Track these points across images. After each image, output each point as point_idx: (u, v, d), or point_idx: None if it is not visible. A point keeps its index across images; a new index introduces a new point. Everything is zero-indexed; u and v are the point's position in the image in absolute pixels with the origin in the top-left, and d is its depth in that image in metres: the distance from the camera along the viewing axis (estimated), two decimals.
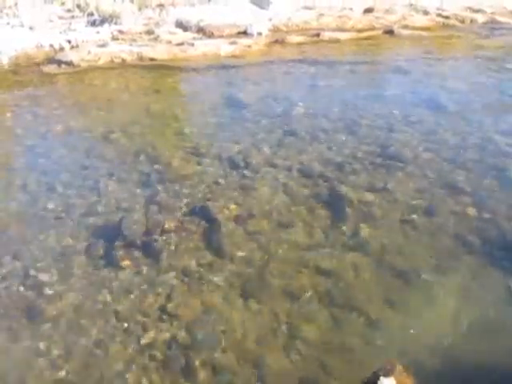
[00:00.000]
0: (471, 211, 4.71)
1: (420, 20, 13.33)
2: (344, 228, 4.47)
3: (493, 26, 13.26)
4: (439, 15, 13.71)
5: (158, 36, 10.99)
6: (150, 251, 4.20)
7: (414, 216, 4.64)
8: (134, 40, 10.75)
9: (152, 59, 9.81)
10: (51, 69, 9.09)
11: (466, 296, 3.74)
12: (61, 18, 11.06)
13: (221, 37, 11.36)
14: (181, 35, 11.21)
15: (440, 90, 8.26)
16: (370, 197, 4.93)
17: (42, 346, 3.34)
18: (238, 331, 3.46)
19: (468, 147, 6.05)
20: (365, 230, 4.42)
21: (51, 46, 9.93)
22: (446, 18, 13.63)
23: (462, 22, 13.54)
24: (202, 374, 3.16)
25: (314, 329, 3.47)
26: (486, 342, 3.32)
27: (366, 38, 11.80)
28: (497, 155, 5.81)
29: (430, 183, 5.20)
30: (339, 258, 4.11)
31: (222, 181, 5.26)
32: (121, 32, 11.00)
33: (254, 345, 3.36)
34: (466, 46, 11.50)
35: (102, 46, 10.11)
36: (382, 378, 2.82)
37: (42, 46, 9.85)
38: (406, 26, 12.79)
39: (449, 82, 8.66)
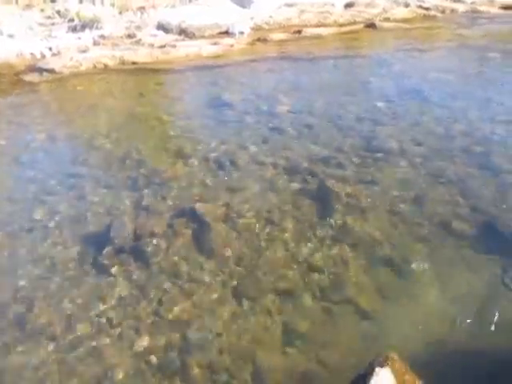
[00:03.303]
0: (459, 199, 4.74)
1: (401, 12, 13.42)
2: (332, 222, 4.48)
3: (473, 16, 13.39)
4: (420, 7, 13.82)
5: (140, 39, 10.94)
6: (139, 256, 4.18)
7: (402, 206, 4.67)
8: (116, 44, 10.69)
9: (134, 63, 9.77)
10: (33, 77, 9.00)
11: (457, 284, 3.76)
12: (41, 25, 10.97)
13: (203, 37, 11.34)
14: (162, 37, 11.18)
15: (423, 80, 8.32)
16: (357, 189, 4.94)
17: (34, 359, 3.31)
18: (233, 331, 3.46)
19: (453, 136, 6.09)
20: (353, 223, 4.44)
21: (32, 53, 9.83)
22: (427, 9, 13.74)
23: (443, 12, 13.66)
24: (199, 376, 3.16)
25: (308, 324, 3.48)
26: (478, 328, 3.35)
27: (348, 33, 11.85)
28: (482, 143, 5.85)
29: (416, 173, 5.23)
30: (329, 252, 4.12)
31: (209, 181, 5.25)
32: (102, 37, 10.93)
33: (249, 343, 3.36)
34: (448, 37, 11.58)
35: (84, 51, 10.05)
36: (377, 368, 2.83)
37: (22, 54, 9.75)
38: (387, 19, 12.87)
39: (432, 73, 8.71)
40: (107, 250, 4.24)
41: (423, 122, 6.54)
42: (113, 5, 11.94)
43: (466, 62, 9.51)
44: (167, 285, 3.88)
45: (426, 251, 4.10)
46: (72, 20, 11.03)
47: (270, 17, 12.66)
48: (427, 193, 4.86)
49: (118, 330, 3.51)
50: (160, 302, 3.72)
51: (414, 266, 3.93)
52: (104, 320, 3.59)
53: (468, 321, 3.41)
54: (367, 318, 3.50)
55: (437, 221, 4.45)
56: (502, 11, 13.84)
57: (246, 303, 3.68)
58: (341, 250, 4.14)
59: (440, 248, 4.14)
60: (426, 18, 13.28)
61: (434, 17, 13.34)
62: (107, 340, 3.43)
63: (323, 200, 4.79)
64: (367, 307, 3.57)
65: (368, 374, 2.78)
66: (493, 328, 3.34)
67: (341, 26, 12.38)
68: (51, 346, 3.40)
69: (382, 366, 2.83)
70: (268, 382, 3.09)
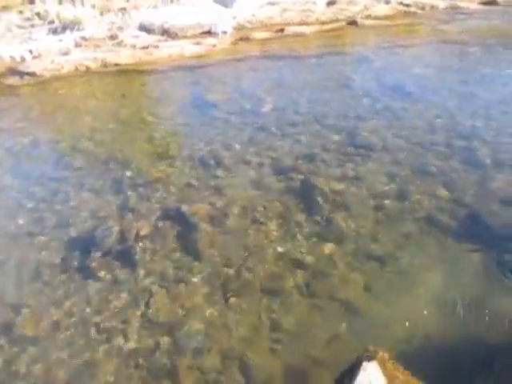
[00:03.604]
0: (442, 193, 4.80)
1: (382, 9, 13.51)
2: (318, 219, 4.50)
3: (453, 12, 13.54)
4: (400, 3, 13.93)
5: (122, 40, 10.85)
6: (126, 259, 4.16)
7: (387, 201, 4.71)
8: (98, 46, 10.59)
9: (117, 64, 9.69)
10: (14, 80, 8.89)
11: (442, 277, 3.80)
12: (20, 27, 10.81)
13: (185, 38, 11.30)
14: (145, 38, 11.10)
15: (405, 76, 8.40)
16: (342, 186, 4.98)
17: (21, 366, 3.27)
18: (221, 331, 3.46)
19: (435, 130, 6.16)
20: (339, 219, 4.47)
21: (12, 57, 9.69)
22: (407, 5, 13.86)
23: (423, 8, 13.80)
24: (188, 377, 3.16)
25: (297, 321, 3.50)
26: (464, 321, 3.39)
27: (331, 31, 11.91)
28: (463, 137, 5.93)
29: (400, 168, 5.28)
30: (316, 249, 4.14)
31: (194, 182, 5.24)
32: (84, 38, 10.82)
33: (239, 343, 3.37)
34: (429, 33, 11.70)
35: (65, 54, 9.93)
36: (364, 363, 2.87)
37: (1, 57, 9.59)
38: (368, 16, 12.96)
39: (413, 69, 8.80)
40: (93, 253, 4.22)
41: (406, 118, 6.61)
42: (93, 6, 11.81)
43: (447, 57, 9.62)
44: (154, 287, 3.86)
45: (411, 245, 4.15)
46: (52, 22, 10.89)
47: (253, 16, 12.65)
48: (411, 187, 4.91)
49: (105, 334, 3.49)
50: (147, 305, 3.71)
51: (399, 260, 3.98)
52: (91, 324, 3.57)
53: (454, 313, 3.45)
54: (354, 313, 3.53)
55: (421, 215, 4.51)
56: (481, 7, 14.02)
57: (233, 303, 3.68)
58: (327, 247, 4.17)
59: (425, 242, 4.18)
60: (406, 14, 13.41)
61: (415, 13, 13.47)
62: (94, 344, 3.41)
63: (308, 197, 4.82)
64: (354, 303, 3.60)
65: (356, 368, 2.82)
66: (479, 320, 3.39)
67: (323, 23, 12.43)
68: (36, 351, 3.37)
69: (369, 361, 2.86)
70: (257, 381, 3.10)
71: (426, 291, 3.67)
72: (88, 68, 9.50)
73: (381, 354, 2.99)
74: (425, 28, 12.16)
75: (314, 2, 13.60)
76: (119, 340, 3.44)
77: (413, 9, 13.70)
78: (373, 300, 3.64)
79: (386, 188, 4.93)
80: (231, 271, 3.97)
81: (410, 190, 4.86)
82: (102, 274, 4.01)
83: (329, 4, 13.70)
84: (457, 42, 10.56)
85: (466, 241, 4.15)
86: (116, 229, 4.49)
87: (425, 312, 3.48)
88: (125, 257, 4.18)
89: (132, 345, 3.40)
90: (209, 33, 11.70)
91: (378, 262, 3.99)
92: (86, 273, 4.04)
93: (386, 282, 3.79)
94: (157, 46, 10.58)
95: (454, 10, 13.73)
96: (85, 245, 4.35)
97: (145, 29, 11.55)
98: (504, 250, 3.99)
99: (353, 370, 2.85)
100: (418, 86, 7.80)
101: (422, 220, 4.44)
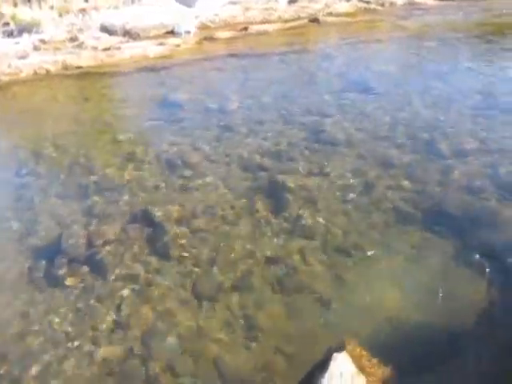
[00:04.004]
0: (405, 184, 4.93)
1: (343, 7, 13.75)
2: (287, 215, 4.55)
3: (411, 8, 13.92)
4: (360, 0, 14.20)
5: (83, 42, 10.62)
6: (94, 264, 4.08)
7: (353, 195, 4.80)
8: (58, 48, 10.33)
9: (78, 67, 9.49)
10: None
11: (408, 265, 3.91)
12: None
13: (148, 38, 11.17)
14: (106, 40, 10.90)
15: (367, 72, 8.57)
16: (309, 182, 5.04)
17: None
18: (194, 332, 3.45)
19: (397, 124, 6.32)
20: (307, 215, 4.52)
21: None
22: (367, 2, 14.15)
23: (382, 5, 14.12)
24: (162, 381, 3.13)
25: (269, 317, 3.53)
26: (431, 308, 3.49)
27: (293, 28, 12.03)
28: (424, 129, 6.11)
29: (364, 162, 5.39)
30: (285, 245, 4.19)
31: (162, 184, 5.19)
32: (42, 41, 10.52)
33: (212, 343, 3.37)
34: (388, 29, 11.98)
35: (23, 57, 9.63)
36: (335, 354, 2.93)
37: None
38: (330, 14, 13.16)
39: (375, 64, 8.99)
40: (59, 261, 4.13)
41: (369, 112, 6.75)
42: (52, 7, 11.50)
43: (406, 52, 9.89)
44: (125, 291, 3.81)
45: (377, 237, 4.25)
46: (7, 24, 10.53)
47: (216, 15, 12.63)
48: (375, 180, 5.03)
49: (76, 342, 3.42)
50: (118, 309, 3.66)
51: (367, 252, 4.06)
52: (60, 333, 3.49)
53: (421, 302, 3.56)
54: (325, 306, 3.59)
55: (386, 206, 4.62)
56: (437, 2, 14.46)
57: (205, 302, 3.68)
58: (296, 242, 4.22)
59: (392, 232, 4.29)
60: (366, 11, 13.69)
61: (375, 10, 13.77)
62: (65, 353, 3.34)
63: (276, 194, 4.86)
64: (325, 296, 3.66)
65: (327, 359, 2.87)
66: (444, 306, 3.50)
67: (286, 21, 12.54)
68: (5, 367, 3.26)
69: (339, 352, 2.92)
70: (231, 379, 3.11)
71: (393, 280, 3.76)
72: (48, 71, 9.26)
73: (351, 344, 3.06)
74: (385, 24, 12.45)
75: (276, 1, 13.71)
76: (90, 347, 3.38)
77: (373, 6, 13.99)
78: (343, 291, 3.70)
79: (352, 181, 5.02)
80: (202, 271, 3.96)
81: (374, 183, 4.97)
82: (69, 281, 3.93)
83: (290, 2, 13.83)
84: (415, 37, 10.87)
85: (430, 229, 4.28)
86: (83, 234, 4.41)
87: (392, 300, 3.57)
88: (93, 262, 4.10)
89: (103, 351, 3.34)
90: (172, 33, 11.61)
91: (346, 254, 4.06)
92: (53, 281, 3.95)
93: (355, 273, 3.87)
94: (119, 48, 10.41)
95: (412, 5, 14.11)
96: (51, 252, 4.24)
97: (106, 30, 11.34)
98: (465, 237, 4.14)
99: (324, 361, 2.90)
100: (380, 81, 7.98)
101: (388, 211, 4.55)
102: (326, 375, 2.75)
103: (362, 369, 2.89)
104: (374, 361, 2.98)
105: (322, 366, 2.87)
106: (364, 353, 3.04)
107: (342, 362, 2.84)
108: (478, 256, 3.91)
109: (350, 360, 2.89)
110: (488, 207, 4.48)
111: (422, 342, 3.22)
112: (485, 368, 3.03)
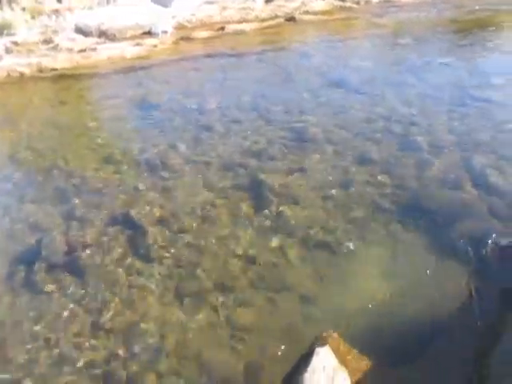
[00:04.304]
0: (383, 179, 5.00)
1: (319, 5, 13.84)
2: (268, 213, 4.57)
3: (386, 5, 14.10)
4: None
5: (58, 44, 10.46)
6: (74, 269, 4.03)
7: (333, 191, 4.85)
8: (32, 51, 10.15)
9: (53, 69, 9.34)
10: None
11: (389, 260, 3.97)
12: None
13: (125, 39, 11.06)
14: (82, 41, 10.76)
15: (344, 69, 8.66)
16: (289, 179, 5.08)
17: None
18: (178, 333, 3.44)
19: (374, 120, 6.40)
20: (288, 212, 4.55)
21: None
22: (343, 0, 14.27)
23: (358, 3, 14.26)
24: (147, 383, 3.12)
25: (252, 315, 3.54)
26: (412, 301, 3.54)
27: (270, 27, 12.08)
28: (401, 124, 6.20)
29: (343, 158, 5.45)
30: (267, 243, 4.20)
31: (141, 186, 5.15)
32: (15, 43, 10.32)
33: (196, 343, 3.36)
34: (364, 26, 12.12)
35: None
36: (317, 348, 2.97)
37: None
38: (306, 12, 13.24)
39: (351, 61, 9.09)
40: (39, 267, 4.07)
41: (346, 109, 6.82)
42: (24, 9, 11.28)
43: (382, 49, 10.02)
44: (106, 295, 3.78)
45: (357, 232, 4.29)
46: None
47: (192, 15, 12.58)
48: (354, 176, 5.09)
49: (58, 349, 3.38)
50: (100, 314, 3.62)
51: (347, 247, 4.11)
52: (41, 340, 3.44)
53: (401, 294, 3.61)
54: (308, 302, 3.62)
55: (365, 202, 4.67)
56: (411, 0, 14.66)
57: (188, 303, 3.67)
58: (278, 240, 4.24)
59: (371, 227, 4.34)
60: (342, 9, 13.82)
61: (350, 8, 13.91)
62: (46, 360, 3.29)
63: (257, 193, 4.87)
64: (307, 292, 3.69)
65: (310, 354, 2.91)
66: (424, 299, 3.56)
67: (262, 21, 12.57)
68: None
69: (322, 346, 2.96)
70: (216, 378, 3.12)
71: (373, 274, 3.82)
72: (22, 74, 9.09)
73: (333, 338, 3.10)
74: (360, 22, 12.59)
75: (253, 0, 13.71)
76: (72, 353, 3.34)
77: (348, 3, 14.13)
78: (324, 287, 3.74)
79: (331, 178, 5.07)
80: (184, 272, 3.96)
81: (353, 179, 5.03)
82: (49, 287, 3.87)
83: (267, 1, 13.86)
84: (391, 34, 11.01)
85: (408, 222, 4.34)
86: (62, 239, 4.35)
87: (373, 294, 3.62)
88: (73, 267, 4.06)
89: (86, 356, 3.31)
90: (149, 33, 11.53)
91: (327, 250, 4.10)
92: (33, 288, 3.89)
93: (336, 267, 3.91)
94: (95, 49, 10.29)
95: (387, 3, 14.30)
96: (29, 258, 4.18)
97: (81, 31, 11.19)
98: (443, 229, 4.22)
99: (307, 356, 2.93)
100: (357, 78, 8.07)
101: (367, 206, 4.61)
102: (309, 369, 2.79)
103: (344, 362, 2.94)
104: (356, 353, 3.02)
105: (306, 360, 2.90)
106: (346, 346, 3.09)
107: (325, 356, 2.87)
108: (455, 247, 3.99)
109: (333, 354, 2.93)
110: (463, 199, 4.58)
111: (402, 334, 3.28)
112: (463, 358, 3.09)
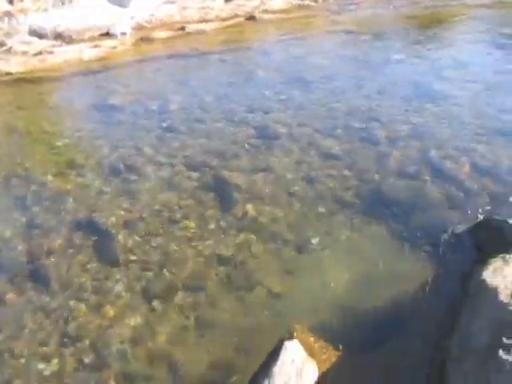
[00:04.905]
0: (346, 173, 5.12)
1: (278, 3, 13.96)
2: (234, 212, 4.60)
3: (343, 3, 14.36)
4: None
5: (11, 47, 10.12)
6: (37, 277, 3.94)
7: (297, 188, 4.93)
8: None
9: (8, 73, 9.03)
10: None
11: (352, 253, 4.06)
12: None
13: (82, 41, 10.82)
14: (37, 44, 10.44)
15: (305, 66, 8.79)
16: (254, 177, 5.12)
17: None
18: (148, 336, 3.42)
19: (336, 116, 6.54)
20: (254, 210, 4.59)
21: None
22: None
23: (316, 1, 14.47)
24: None
25: (223, 314, 3.56)
26: (374, 292, 3.64)
27: (231, 26, 12.10)
28: (361, 119, 6.37)
29: (306, 154, 5.54)
30: (234, 241, 4.23)
31: (105, 189, 5.07)
32: None
33: (166, 345, 3.35)
34: (323, 24, 12.32)
35: None
36: (286, 342, 3.02)
37: None
38: (265, 11, 13.33)
39: (312, 59, 9.23)
40: None
41: (308, 106, 6.93)
42: None
43: (341, 45, 10.22)
44: (72, 302, 3.71)
45: (323, 227, 4.38)
46: None
47: (151, 15, 12.43)
48: (318, 171, 5.18)
49: (22, 360, 3.30)
50: (66, 322, 3.55)
51: (313, 242, 4.18)
52: (5, 351, 3.35)
53: (365, 286, 3.71)
54: (276, 297, 3.67)
55: (329, 196, 4.78)
56: None
57: (157, 305, 3.65)
58: (245, 238, 4.27)
59: (336, 222, 4.43)
60: (301, 7, 14.00)
61: (309, 6, 14.10)
62: (11, 372, 3.21)
63: (223, 192, 4.89)
64: (275, 288, 3.74)
65: (279, 348, 2.96)
66: (388, 290, 3.65)
67: (223, 20, 12.58)
68: None
69: (290, 340, 3.02)
70: (187, 378, 3.12)
71: (338, 267, 3.91)
72: None
73: (301, 332, 3.17)
74: (319, 19, 12.79)
75: None
76: (39, 363, 3.27)
77: (307, 1, 14.31)
78: (291, 282, 3.80)
79: (295, 175, 5.15)
80: (152, 274, 3.93)
81: (317, 174, 5.13)
82: (11, 297, 3.76)
83: (227, 0, 13.86)
84: (349, 31, 11.24)
85: (371, 215, 4.47)
86: (23, 248, 4.24)
87: (339, 286, 3.71)
88: (36, 276, 3.96)
89: (53, 365, 3.25)
90: (107, 35, 11.32)
91: (293, 246, 4.16)
92: None
93: (302, 262, 3.99)
94: (52, 52, 10.02)
95: (345, 0, 14.56)
96: None
97: (36, 34, 10.86)
98: (404, 220, 4.37)
99: (276, 351, 2.98)
100: (317, 75, 8.20)
101: (331, 201, 4.71)
102: (278, 363, 2.84)
103: (312, 354, 3.01)
104: (324, 345, 3.10)
105: (275, 354, 2.95)
106: (314, 339, 3.16)
107: (293, 349, 2.93)
108: (415, 237, 4.14)
109: (301, 346, 3.00)
110: (421, 189, 4.76)
111: (367, 323, 3.38)
112: (425, 342, 3.22)
